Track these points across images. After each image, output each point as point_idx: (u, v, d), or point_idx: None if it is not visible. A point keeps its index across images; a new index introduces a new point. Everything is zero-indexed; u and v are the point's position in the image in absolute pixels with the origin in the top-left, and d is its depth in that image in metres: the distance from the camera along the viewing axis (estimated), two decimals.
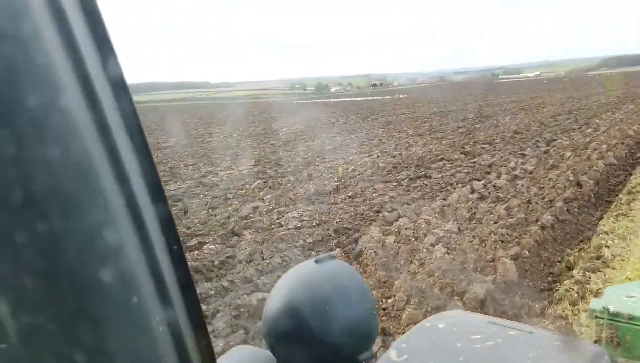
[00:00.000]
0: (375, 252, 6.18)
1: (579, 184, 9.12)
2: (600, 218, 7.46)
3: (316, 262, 0.93)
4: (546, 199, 8.22)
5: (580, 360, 1.30)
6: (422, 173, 11.38)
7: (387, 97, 73.28)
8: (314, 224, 7.77)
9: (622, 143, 13.35)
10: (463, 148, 14.87)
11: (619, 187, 9.25)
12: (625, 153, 12.17)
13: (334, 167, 12.92)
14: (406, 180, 10.67)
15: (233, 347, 1.08)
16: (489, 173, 10.84)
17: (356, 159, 13.97)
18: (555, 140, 15.03)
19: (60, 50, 0.34)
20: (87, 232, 0.35)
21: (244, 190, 10.63)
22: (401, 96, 72.14)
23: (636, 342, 2.52)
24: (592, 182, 9.24)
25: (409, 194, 9.43)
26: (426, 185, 10.18)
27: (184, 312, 0.42)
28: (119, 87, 0.39)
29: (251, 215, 8.43)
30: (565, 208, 7.79)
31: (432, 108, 36.59)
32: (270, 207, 8.92)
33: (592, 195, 8.52)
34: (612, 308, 2.59)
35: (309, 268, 0.93)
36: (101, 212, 0.36)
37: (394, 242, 6.56)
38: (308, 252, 6.49)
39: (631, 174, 10.07)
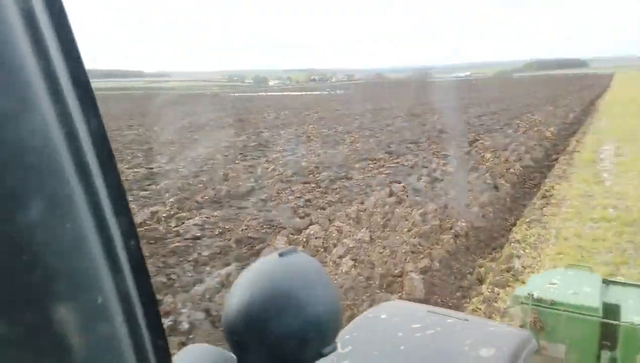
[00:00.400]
0: None
1: (496, 187, 9.00)
2: (514, 224, 7.29)
3: (280, 255, 0.87)
4: (462, 204, 7.97)
5: (510, 344, 1.36)
6: (344, 174, 10.91)
7: (325, 92, 73.24)
8: (216, 233, 7.00)
9: (540, 145, 13.66)
10: (389, 147, 14.63)
11: (534, 190, 9.25)
12: (542, 155, 12.40)
13: (254, 166, 12.16)
14: (326, 181, 10.13)
15: (187, 346, 0.98)
16: (410, 174, 10.56)
17: (279, 158, 13.28)
18: (478, 140, 15.17)
19: (27, 50, 0.35)
20: (46, 231, 0.35)
21: (147, 191, 9.61)
22: (339, 92, 72.33)
23: (557, 325, 2.66)
24: (508, 185, 9.17)
25: (326, 197, 8.88)
26: (346, 187, 9.69)
27: (142, 313, 0.44)
28: (82, 87, 0.40)
29: (147, 222, 7.50)
30: (481, 214, 7.57)
31: (366, 105, 36.65)
32: (172, 212, 8.02)
33: (508, 199, 8.40)
34: (535, 295, 2.72)
35: (272, 262, 0.87)
36: (61, 211, 0.36)
37: None
38: (201, 268, 5.72)
39: (546, 177, 10.15)
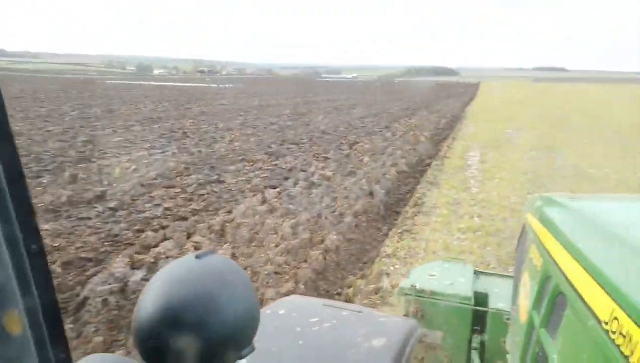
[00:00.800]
0: (108, 300, 4.49)
1: (371, 194, 8.78)
2: (387, 234, 7.04)
3: (196, 257, 0.85)
4: (337, 213, 7.56)
5: (399, 333, 1.49)
6: (216, 177, 9.97)
7: (214, 85, 70.50)
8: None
9: (414, 149, 14.02)
10: (269, 147, 13.96)
11: (407, 196, 9.23)
12: (416, 159, 12.67)
13: (111, 165, 10.64)
14: (194, 186, 9.11)
15: (87, 356, 0.82)
16: (287, 178, 9.97)
17: (144, 156, 11.85)
18: (358, 143, 15.19)
19: None
20: None
21: None
22: (227, 86, 70.09)
23: (435, 314, 2.79)
24: (383, 191, 9.01)
25: (190, 205, 7.90)
26: (215, 192, 8.78)
27: (45, 324, 0.44)
28: None
29: None
30: (354, 223, 7.21)
31: (253, 100, 35.67)
32: None
33: (382, 207, 8.19)
34: (417, 286, 2.86)
35: (187, 264, 0.85)
36: None
37: (141, 280, 4.95)
38: None
39: (418, 183, 10.27)
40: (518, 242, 2.31)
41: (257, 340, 0.87)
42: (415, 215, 7.80)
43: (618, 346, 0.92)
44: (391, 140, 15.87)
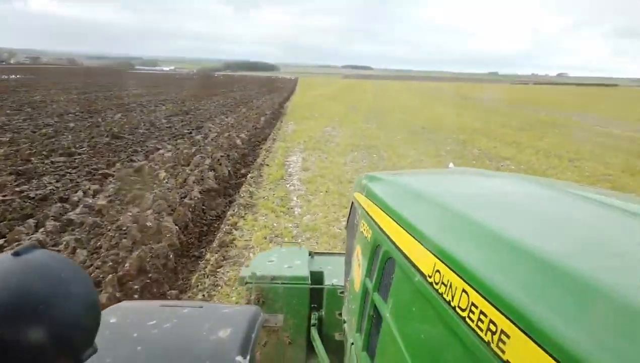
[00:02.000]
0: None
1: (159, 233, 6.18)
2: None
3: (15, 254, 0.76)
4: (90, 278, 4.79)
5: (243, 321, 1.48)
6: None
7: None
8: None
9: (228, 156, 11.70)
10: (26, 162, 10.06)
11: (212, 229, 6.88)
12: (229, 171, 10.36)
13: None
14: None
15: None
16: (32, 215, 6.69)
17: None
18: (159, 149, 12.23)
19: None
20: None
21: None
22: (13, 77, 57.63)
23: (276, 298, 2.84)
24: (177, 228, 6.46)
25: None
26: None
27: None
28: None
29: None
30: (125, 295, 4.56)
31: (34, 95, 28.95)
32: None
33: (171, 258, 5.66)
34: (258, 273, 2.88)
35: (4, 264, 0.76)
36: None
37: None
38: None
39: (230, 206, 8.01)
40: (347, 221, 2.43)
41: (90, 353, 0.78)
42: (218, 269, 5.48)
43: (441, 294, 1.03)
44: (201, 144, 13.27)
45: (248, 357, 1.36)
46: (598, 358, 0.62)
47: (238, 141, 14.05)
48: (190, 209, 7.28)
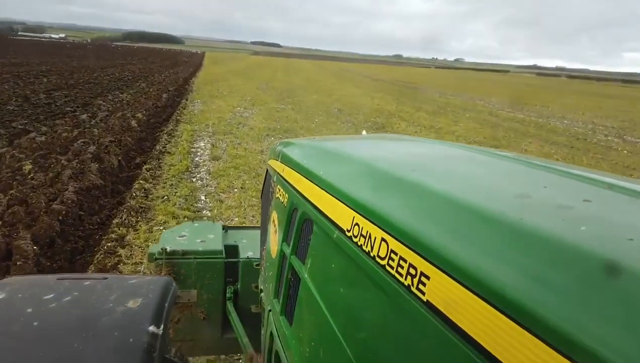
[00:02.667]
0: None
1: (7, 258, 4.40)
2: None
3: None
4: None
5: (155, 291, 1.35)
6: None
7: None
8: None
9: (119, 141, 9.70)
10: None
11: (91, 244, 5.20)
12: (119, 160, 8.47)
13: None
14: None
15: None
16: None
17: None
18: (30, 132, 9.86)
19: None
20: None
21: None
22: None
23: (189, 273, 2.71)
24: (35, 249, 4.69)
25: None
26: None
27: None
28: None
29: None
30: None
31: None
32: None
33: None
34: (168, 249, 2.71)
35: None
36: None
37: None
38: None
39: (121, 204, 6.29)
40: (262, 191, 2.41)
41: None
42: None
43: (360, 246, 1.04)
44: (86, 126, 11.04)
45: (162, 327, 1.23)
46: (513, 285, 0.64)
47: (133, 122, 11.94)
48: (60, 218, 5.48)
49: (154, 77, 28.76)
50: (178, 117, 14.32)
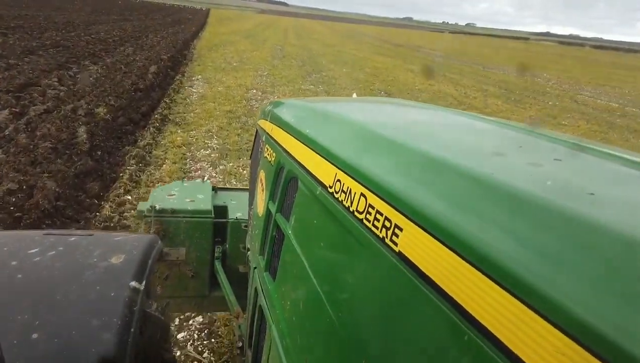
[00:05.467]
0: None
1: None
2: None
3: None
4: None
5: (139, 248, 1.39)
6: None
7: None
8: None
9: (77, 147, 5.07)
10: None
11: None
12: (70, 184, 3.89)
13: None
14: None
15: None
16: None
17: None
18: None
19: None
20: None
21: None
22: None
23: (177, 231, 2.72)
24: None
25: None
26: None
27: None
28: None
29: None
30: None
31: None
32: None
33: None
34: (157, 207, 2.71)
35: None
36: None
37: None
38: None
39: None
40: (252, 152, 2.44)
41: None
42: None
43: (341, 201, 1.06)
44: (30, 114, 6.42)
45: (144, 283, 1.26)
46: (479, 236, 0.66)
47: (82, 131, 7.21)
48: None
49: (147, 38, 23.63)
50: (165, 111, 9.49)
